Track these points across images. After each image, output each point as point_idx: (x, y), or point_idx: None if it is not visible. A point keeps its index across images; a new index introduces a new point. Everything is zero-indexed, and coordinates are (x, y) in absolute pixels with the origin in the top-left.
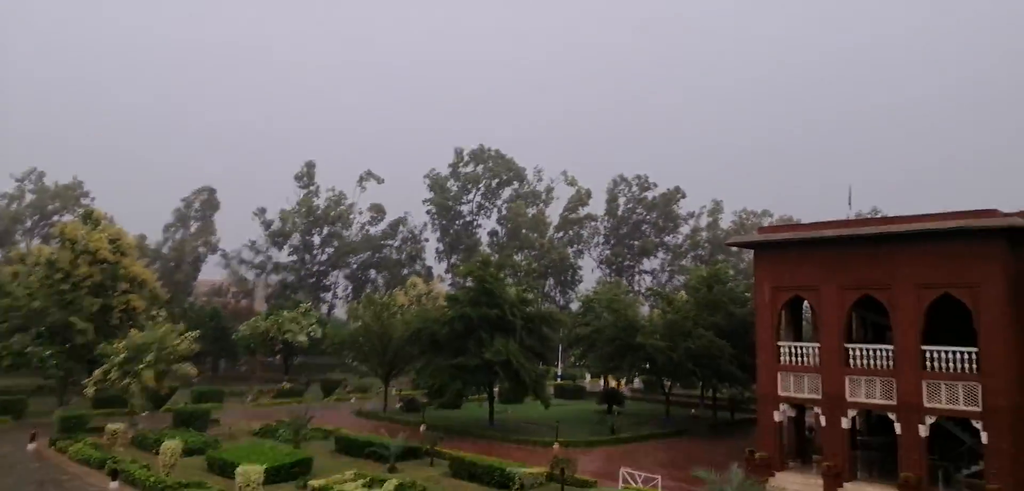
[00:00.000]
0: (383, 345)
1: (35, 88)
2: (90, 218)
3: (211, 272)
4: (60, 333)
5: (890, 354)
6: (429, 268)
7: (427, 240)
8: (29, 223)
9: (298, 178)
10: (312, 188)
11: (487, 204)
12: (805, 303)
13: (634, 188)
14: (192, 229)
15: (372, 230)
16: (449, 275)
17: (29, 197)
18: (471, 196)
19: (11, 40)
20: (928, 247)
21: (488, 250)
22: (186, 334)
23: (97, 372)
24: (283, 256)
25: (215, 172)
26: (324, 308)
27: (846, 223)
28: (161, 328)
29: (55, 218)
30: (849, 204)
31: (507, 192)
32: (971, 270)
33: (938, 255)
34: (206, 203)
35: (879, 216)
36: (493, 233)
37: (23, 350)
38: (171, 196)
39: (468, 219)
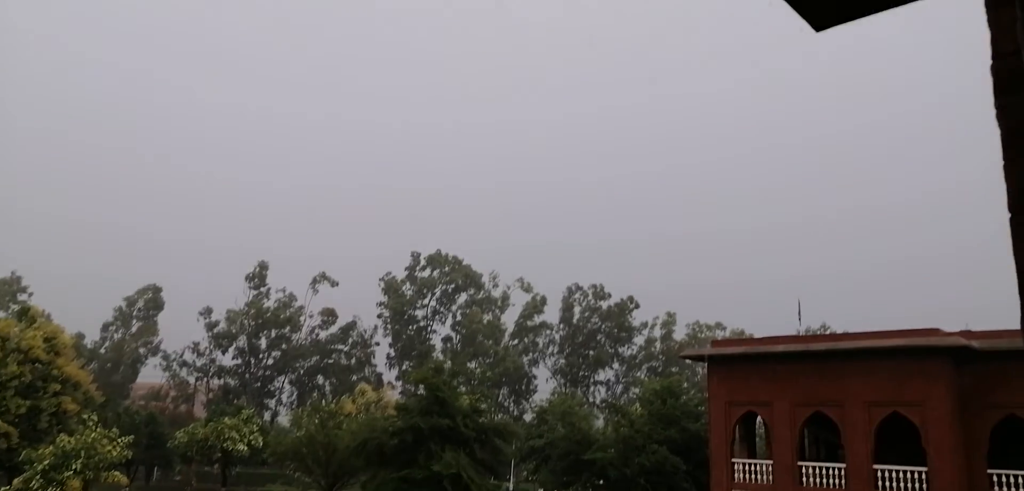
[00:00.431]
0: (327, 456)
1: None
2: (25, 315)
3: (151, 374)
4: None
5: (842, 472)
6: (379, 375)
7: (378, 344)
8: None
9: (249, 278)
10: (263, 289)
11: (442, 310)
12: (759, 418)
13: (590, 297)
14: (133, 329)
15: (322, 334)
16: (400, 382)
17: None
18: (426, 301)
19: None
20: (876, 365)
21: (441, 357)
22: (119, 440)
23: (17, 480)
24: (227, 359)
25: (163, 271)
26: (267, 415)
27: (797, 339)
28: (92, 433)
29: None
30: (798, 319)
31: (462, 298)
32: (918, 389)
33: (886, 373)
34: (150, 302)
35: (828, 332)
36: (447, 340)
37: None
38: (116, 294)
39: (422, 325)
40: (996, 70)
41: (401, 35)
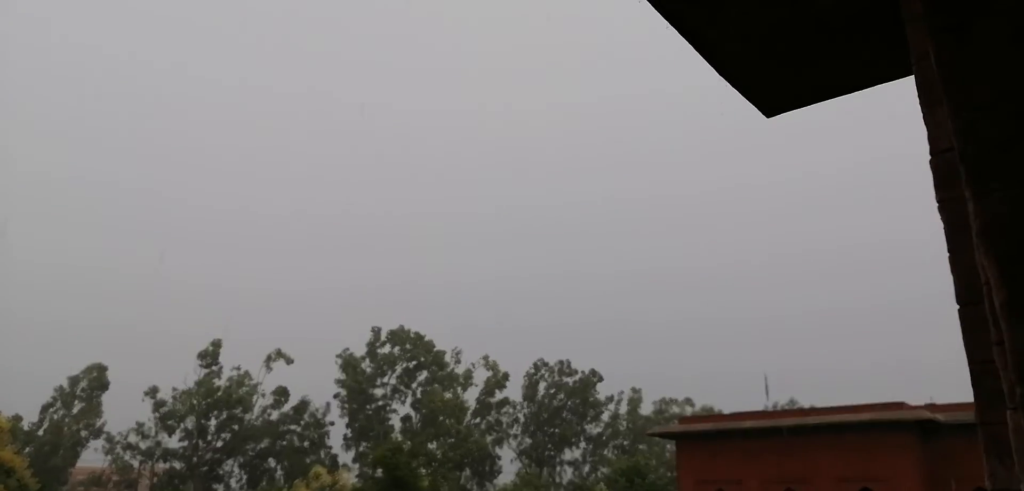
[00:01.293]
0: None
1: None
2: None
3: (92, 458)
4: None
5: None
6: (334, 456)
7: (333, 424)
8: None
9: (202, 356)
10: (214, 368)
11: (402, 388)
12: None
13: (555, 373)
14: (75, 410)
15: (274, 414)
16: (356, 465)
17: None
18: (386, 379)
19: None
20: (844, 440)
21: (400, 437)
22: None
23: None
24: (174, 442)
25: (110, 345)
26: None
27: (766, 415)
28: None
29: None
30: (766, 394)
31: (423, 375)
32: (885, 463)
33: (854, 448)
34: (95, 382)
35: (796, 407)
36: (406, 419)
37: None
38: (59, 371)
39: (381, 404)
40: (935, 166)
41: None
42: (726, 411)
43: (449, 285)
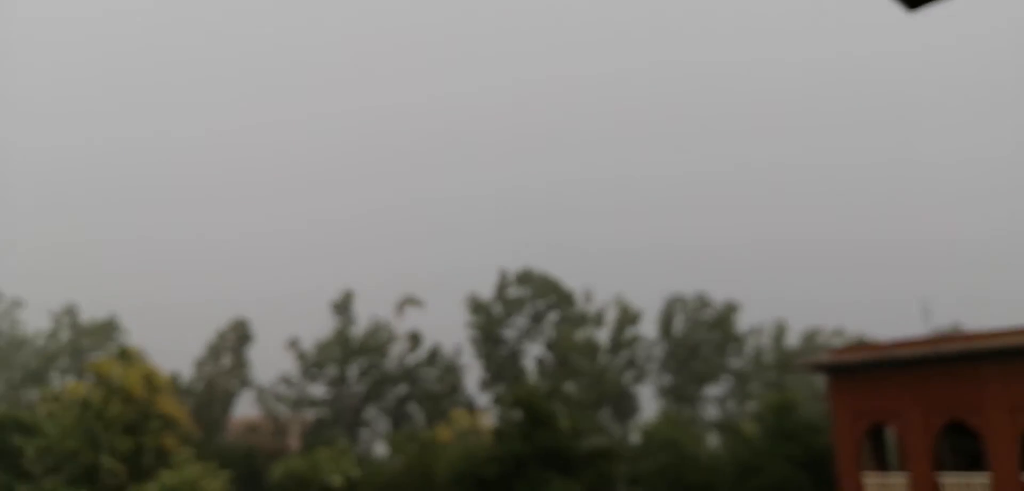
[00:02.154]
0: (425, 487)
1: (70, 217)
2: (125, 356)
3: (245, 408)
4: (90, 475)
5: (988, 484)
6: (471, 399)
7: (467, 365)
8: (64, 361)
9: (336, 307)
10: (348, 316)
11: (533, 330)
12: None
13: (693, 306)
14: (225, 363)
15: (410, 360)
16: (494, 407)
17: (65, 335)
18: (517, 321)
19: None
20: (1019, 366)
21: (536, 380)
22: (218, 475)
23: None
24: (318, 390)
25: (249, 301)
26: (361, 446)
27: (926, 342)
28: (192, 468)
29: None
30: (925, 321)
31: (554, 316)
32: None
33: None
34: (239, 336)
35: (961, 332)
36: (540, 360)
37: None
38: (206, 328)
39: (513, 346)
40: None
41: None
42: (881, 340)
43: (568, 218)
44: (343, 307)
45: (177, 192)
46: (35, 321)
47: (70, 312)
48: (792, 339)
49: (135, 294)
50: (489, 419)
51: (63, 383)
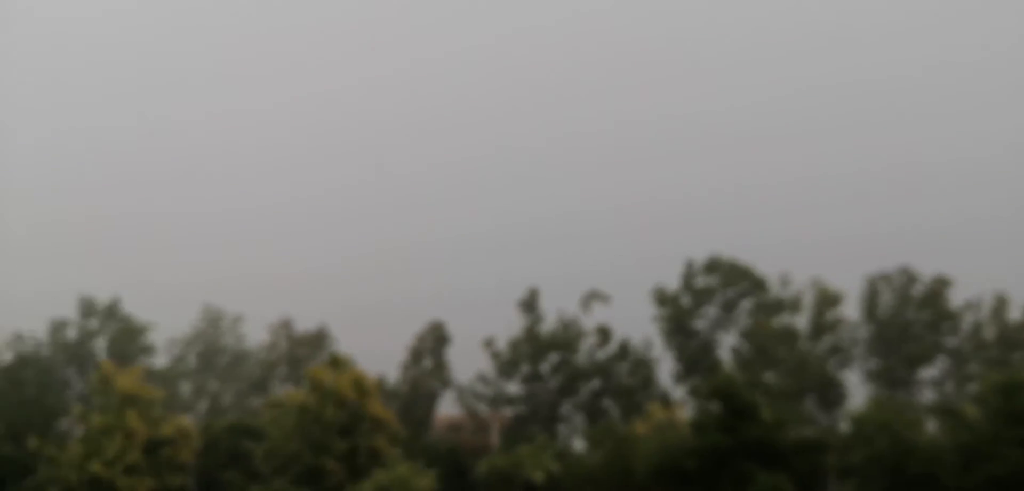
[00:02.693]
0: (624, 481)
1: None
2: (335, 363)
3: (447, 407)
4: (312, 475)
5: None
6: (665, 393)
7: (657, 359)
8: (282, 370)
9: (522, 305)
10: (536, 313)
11: (726, 319)
12: None
13: (897, 284)
14: (426, 365)
15: (600, 355)
16: (689, 399)
17: (282, 345)
18: (707, 311)
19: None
20: None
21: (732, 371)
22: (425, 474)
23: None
24: (514, 387)
25: (441, 300)
26: (559, 442)
27: None
28: (401, 468)
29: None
30: None
31: (747, 304)
32: None
33: None
34: (437, 338)
35: None
36: (735, 350)
37: None
38: (405, 331)
39: (704, 338)
40: None
41: None
42: None
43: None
44: (530, 305)
45: (385, 203)
46: (255, 335)
47: (286, 325)
48: (1014, 313)
49: (339, 299)
50: (685, 412)
51: (283, 390)
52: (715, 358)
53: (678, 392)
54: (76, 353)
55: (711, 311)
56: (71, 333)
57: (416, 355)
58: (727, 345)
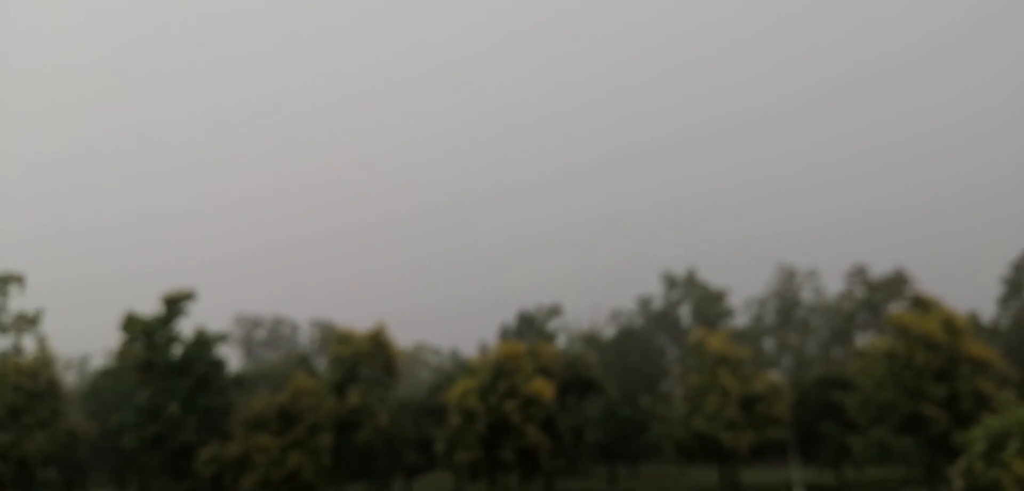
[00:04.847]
0: None
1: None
2: (920, 304)
3: None
4: (912, 423)
5: None
6: None
7: None
8: (862, 317)
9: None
10: None
11: None
12: None
13: None
14: None
15: None
16: None
17: (859, 293)
18: None
19: None
20: None
21: None
22: None
23: (961, 461)
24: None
25: None
26: None
27: None
28: (1018, 410)
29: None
30: None
31: None
32: None
33: None
34: None
35: None
36: None
37: (882, 442)
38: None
39: None
40: None
41: None
42: None
43: None
44: None
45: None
46: (832, 286)
47: (861, 272)
48: None
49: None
50: None
51: (864, 338)
52: None
53: None
54: (663, 321)
55: None
56: (656, 304)
57: (1015, 287)
58: None
